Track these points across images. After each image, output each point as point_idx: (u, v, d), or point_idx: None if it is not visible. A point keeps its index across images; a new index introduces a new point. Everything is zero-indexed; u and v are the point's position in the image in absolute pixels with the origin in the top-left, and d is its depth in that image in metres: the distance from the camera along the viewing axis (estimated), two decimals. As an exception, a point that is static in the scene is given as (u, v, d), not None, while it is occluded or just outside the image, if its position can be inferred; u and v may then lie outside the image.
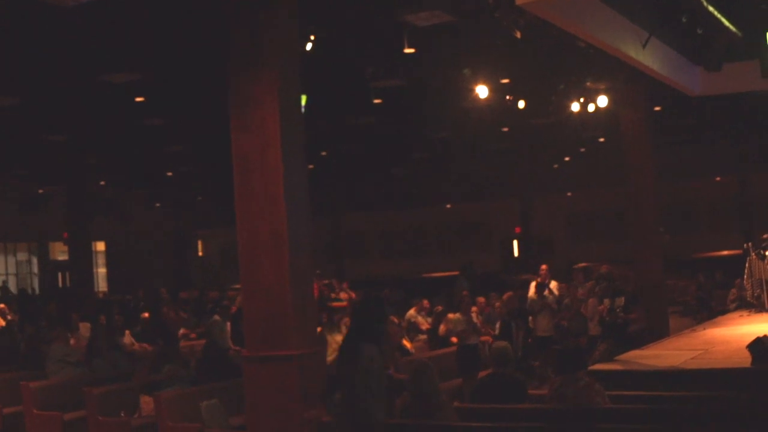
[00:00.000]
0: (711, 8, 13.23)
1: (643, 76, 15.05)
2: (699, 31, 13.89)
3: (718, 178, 31.75)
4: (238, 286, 13.12)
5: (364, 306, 7.26)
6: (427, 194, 35.22)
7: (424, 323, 17.10)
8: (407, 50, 13.64)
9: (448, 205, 37.76)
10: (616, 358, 11.30)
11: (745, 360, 9.43)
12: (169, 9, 11.98)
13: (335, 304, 13.66)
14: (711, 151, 28.21)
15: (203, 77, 15.15)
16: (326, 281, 18.25)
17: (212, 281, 36.58)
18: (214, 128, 16.09)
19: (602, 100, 17.80)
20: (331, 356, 10.60)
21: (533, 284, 16.03)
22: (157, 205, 35.90)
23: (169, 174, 30.19)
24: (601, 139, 26.00)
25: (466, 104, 17.89)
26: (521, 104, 18.20)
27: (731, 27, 14.13)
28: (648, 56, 13.81)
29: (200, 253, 44.98)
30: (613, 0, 12.25)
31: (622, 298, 13.09)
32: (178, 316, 19.84)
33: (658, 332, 15.13)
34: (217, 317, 15.81)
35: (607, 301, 13.02)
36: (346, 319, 11.62)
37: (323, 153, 25.74)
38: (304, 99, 10.25)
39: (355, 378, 6.41)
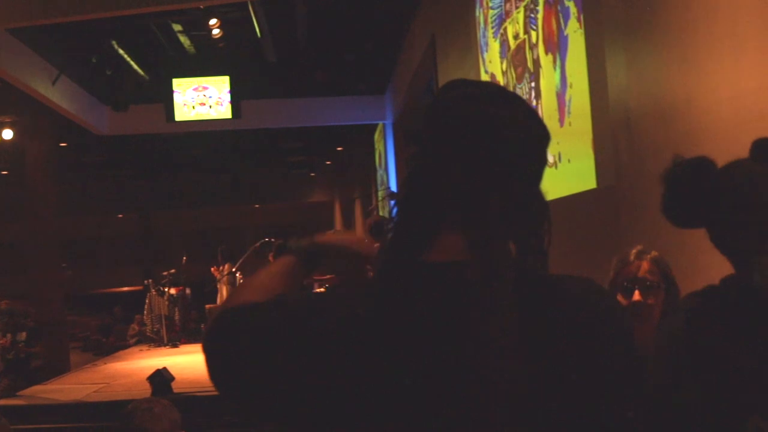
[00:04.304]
0: (121, 51, 13.70)
1: (51, 112, 15.07)
2: (108, 72, 14.28)
3: (120, 215, 32.34)
4: None
5: None
6: None
7: None
8: None
9: None
10: (19, 393, 11.16)
11: (146, 391, 9.85)
12: None
13: None
14: (116, 188, 28.71)
15: None
16: None
17: None
18: None
19: (7, 133, 17.45)
20: None
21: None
22: None
23: None
24: (5, 172, 25.31)
25: None
26: None
27: (139, 70, 14.74)
28: (57, 93, 13.92)
29: None
30: (24, 35, 12.20)
31: (24, 333, 12.95)
32: None
33: (59, 367, 15.09)
34: None
35: (9, 336, 12.79)
36: None
37: None
38: None
39: None
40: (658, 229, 4.40)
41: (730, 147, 3.51)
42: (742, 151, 3.36)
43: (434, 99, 1.48)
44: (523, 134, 1.41)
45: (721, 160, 3.57)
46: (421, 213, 1.43)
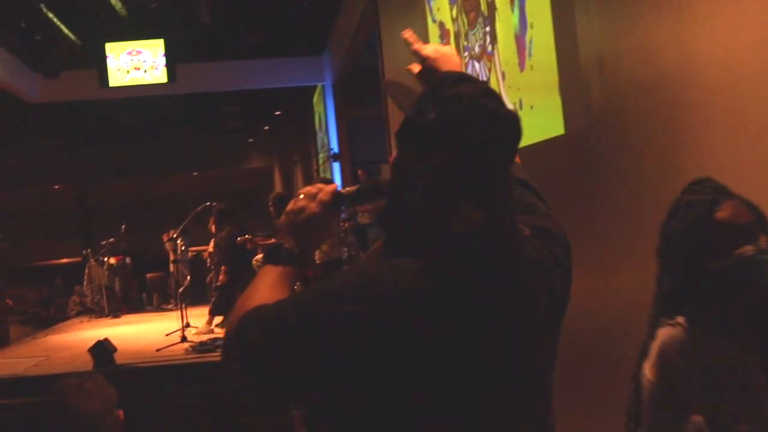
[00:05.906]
0: (51, 15, 13.21)
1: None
2: (38, 37, 13.81)
3: (57, 186, 31.71)
4: None
5: None
6: None
7: None
8: None
9: None
10: (-43, 370, 10.77)
11: (87, 363, 9.54)
12: None
13: None
14: (49, 158, 28.09)
15: None
16: None
17: None
18: None
19: (-66, 104, 16.89)
20: None
21: None
22: None
23: None
24: (-65, 145, 24.64)
25: None
26: None
27: (71, 35, 14.24)
28: (-15, 60, 13.45)
29: None
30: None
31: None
32: None
33: (-2, 341, 14.72)
34: None
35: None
36: None
37: None
38: None
39: None
40: (635, 175, 4.16)
41: (724, 87, 3.24)
42: (738, 90, 3.09)
43: (449, 96, 1.69)
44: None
45: (714, 101, 3.29)
46: (442, 194, 1.64)
